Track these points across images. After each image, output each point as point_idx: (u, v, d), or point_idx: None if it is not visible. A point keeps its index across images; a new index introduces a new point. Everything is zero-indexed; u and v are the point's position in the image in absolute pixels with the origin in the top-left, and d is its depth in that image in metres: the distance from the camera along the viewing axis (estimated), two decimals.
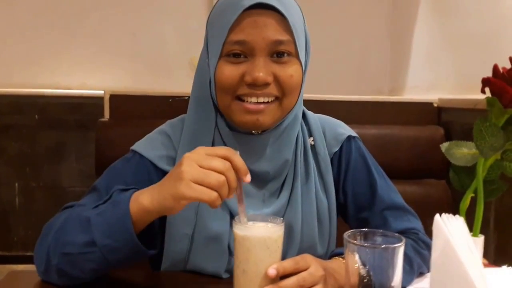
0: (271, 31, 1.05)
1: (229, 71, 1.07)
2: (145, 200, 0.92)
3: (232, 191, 0.90)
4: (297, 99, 1.14)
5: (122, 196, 0.97)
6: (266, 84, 1.06)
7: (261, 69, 1.04)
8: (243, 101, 1.08)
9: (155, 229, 1.02)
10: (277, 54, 1.07)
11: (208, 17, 1.14)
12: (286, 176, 1.19)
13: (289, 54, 1.08)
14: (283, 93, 1.09)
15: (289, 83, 1.08)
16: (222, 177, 0.88)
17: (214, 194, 0.87)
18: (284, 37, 1.06)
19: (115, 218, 0.93)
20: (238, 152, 0.92)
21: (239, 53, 1.06)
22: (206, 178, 0.87)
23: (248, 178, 0.91)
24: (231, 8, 1.05)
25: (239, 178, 0.91)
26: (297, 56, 1.09)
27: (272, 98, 1.08)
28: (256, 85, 1.05)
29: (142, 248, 0.94)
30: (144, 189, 0.96)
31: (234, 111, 1.10)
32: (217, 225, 1.13)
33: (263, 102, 1.08)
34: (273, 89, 1.07)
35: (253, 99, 1.07)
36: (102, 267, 0.97)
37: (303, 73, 1.12)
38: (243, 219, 0.95)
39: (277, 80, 1.07)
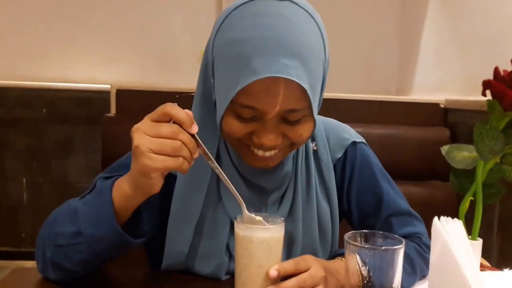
0: (285, 100, 0.93)
1: (237, 128, 0.99)
2: (125, 186, 0.93)
3: (194, 150, 0.89)
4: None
5: (104, 184, 0.97)
6: (274, 146, 1.01)
7: (270, 135, 0.98)
8: (251, 148, 1.04)
9: (142, 218, 1.01)
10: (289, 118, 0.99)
11: (216, 34, 1.01)
12: (287, 186, 1.18)
13: (302, 117, 0.99)
14: (291, 144, 1.05)
15: (298, 140, 1.03)
16: (177, 143, 0.87)
17: (179, 160, 0.87)
18: (298, 105, 0.96)
19: (98, 207, 0.94)
20: (175, 104, 0.90)
21: (248, 115, 0.98)
22: (162, 148, 0.86)
23: (194, 128, 0.89)
24: (241, 65, 0.92)
25: (193, 134, 0.89)
26: (310, 114, 1.00)
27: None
28: (264, 147, 1.01)
29: (125, 236, 0.94)
30: (124, 175, 0.96)
31: (243, 155, 1.07)
32: (217, 236, 1.13)
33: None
34: (281, 145, 1.02)
35: (260, 152, 1.03)
36: (91, 258, 0.97)
37: (315, 121, 1.03)
38: (221, 176, 0.96)
39: (286, 137, 1.01)
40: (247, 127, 0.99)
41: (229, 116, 0.99)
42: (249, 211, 0.98)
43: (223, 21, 0.99)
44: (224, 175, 0.96)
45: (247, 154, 1.05)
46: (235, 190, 0.97)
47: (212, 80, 1.04)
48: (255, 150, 1.03)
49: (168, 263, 1.15)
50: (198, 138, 0.90)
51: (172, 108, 0.87)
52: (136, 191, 0.93)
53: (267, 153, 1.03)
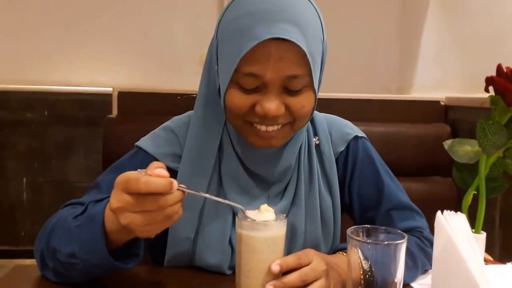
0: (286, 65, 0.96)
1: (240, 100, 1.01)
2: (118, 222, 0.87)
3: (181, 199, 0.87)
4: (308, 121, 1.12)
5: (96, 209, 0.93)
6: (277, 116, 1.02)
7: (273, 103, 0.99)
8: (254, 125, 1.05)
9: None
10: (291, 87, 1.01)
11: (220, 20, 1.06)
12: (290, 178, 1.19)
13: (303, 86, 1.01)
14: (294, 119, 1.05)
15: (300, 113, 1.03)
16: (167, 211, 0.83)
17: (172, 219, 0.85)
18: (299, 71, 0.98)
19: (89, 235, 0.91)
20: (142, 172, 0.84)
21: (251, 85, 1.00)
22: (154, 220, 0.83)
23: (174, 187, 0.83)
24: (244, 34, 0.96)
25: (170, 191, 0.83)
26: (311, 85, 1.02)
27: (282, 124, 1.05)
28: (266, 117, 1.01)
29: (119, 266, 0.93)
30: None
31: (246, 133, 1.07)
32: (220, 224, 1.14)
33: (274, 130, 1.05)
34: (283, 118, 1.03)
35: (263, 127, 1.03)
36: (87, 276, 0.97)
37: (316, 96, 1.06)
38: (214, 199, 0.97)
39: (288, 109, 1.02)
40: (250, 98, 1.00)
41: (232, 89, 1.01)
42: (252, 202, 0.98)
43: (227, 7, 1.04)
44: (216, 198, 0.98)
45: (250, 132, 1.06)
46: (231, 202, 0.99)
47: (216, 67, 1.07)
48: (258, 126, 1.04)
49: (173, 253, 1.15)
50: (181, 186, 0.86)
51: (146, 184, 0.81)
52: (128, 233, 0.90)
53: (270, 128, 1.04)
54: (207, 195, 0.95)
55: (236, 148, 1.14)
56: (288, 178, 1.18)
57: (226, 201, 0.99)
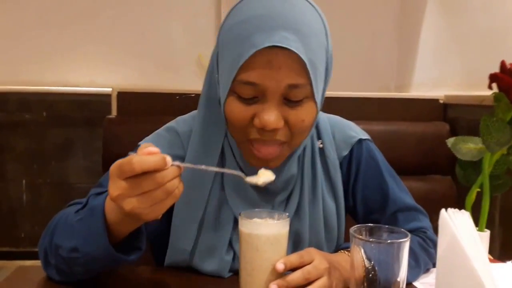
0: (286, 74, 0.94)
1: (239, 111, 0.98)
2: (119, 213, 0.88)
3: (180, 173, 0.86)
4: (308, 135, 1.10)
5: (96, 202, 0.94)
6: (276, 129, 0.98)
7: (272, 114, 0.96)
8: (253, 145, 1.03)
9: (141, 229, 0.98)
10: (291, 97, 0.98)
11: (221, 28, 1.04)
12: (294, 186, 1.17)
13: (304, 96, 0.98)
14: (292, 136, 1.02)
15: (299, 127, 1.00)
16: (166, 187, 0.82)
17: (175, 195, 0.85)
18: (300, 80, 0.95)
19: (91, 228, 0.91)
20: (134, 154, 0.83)
21: (250, 94, 0.97)
22: (155, 200, 0.83)
23: (168, 162, 0.82)
24: (242, 42, 0.94)
25: (163, 167, 0.82)
26: (312, 96, 0.99)
27: (279, 144, 1.03)
28: (265, 130, 0.98)
29: (121, 258, 0.93)
30: None
31: (244, 151, 1.06)
32: (220, 234, 1.13)
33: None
34: (281, 135, 1.00)
35: (261, 144, 1.01)
36: (90, 271, 0.98)
37: (318, 108, 1.03)
38: (213, 169, 0.98)
39: (287, 123, 0.99)
40: (249, 110, 0.98)
41: (231, 97, 0.99)
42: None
43: (228, 14, 1.02)
44: (215, 168, 1.00)
45: (248, 152, 1.05)
46: (230, 170, 0.99)
47: (216, 75, 1.05)
48: (256, 145, 1.01)
49: (171, 259, 1.15)
50: (175, 163, 0.85)
51: (140, 163, 0.80)
52: (131, 222, 0.91)
53: (268, 149, 1.01)
54: (203, 167, 0.92)
55: (238, 159, 1.13)
56: (291, 187, 1.17)
57: (224, 170, 1.01)
